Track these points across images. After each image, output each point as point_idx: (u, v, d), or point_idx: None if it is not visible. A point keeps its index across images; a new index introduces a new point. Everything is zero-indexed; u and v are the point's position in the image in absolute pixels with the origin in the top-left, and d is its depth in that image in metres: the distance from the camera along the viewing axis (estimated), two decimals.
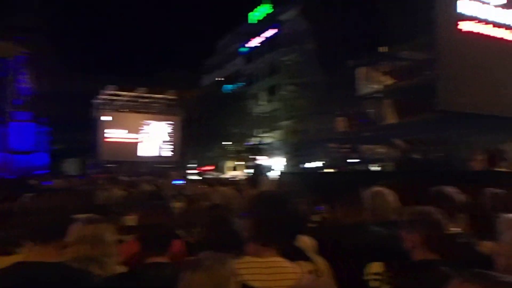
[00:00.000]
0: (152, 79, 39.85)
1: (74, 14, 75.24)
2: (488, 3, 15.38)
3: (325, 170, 21.05)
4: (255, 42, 43.06)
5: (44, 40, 27.95)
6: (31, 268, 1.96)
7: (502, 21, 15.45)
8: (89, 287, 2.03)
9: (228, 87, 44.10)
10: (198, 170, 34.99)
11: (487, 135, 13.75)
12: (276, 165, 29.28)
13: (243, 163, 36.31)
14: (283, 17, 36.42)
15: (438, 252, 2.34)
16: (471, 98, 14.05)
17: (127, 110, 35.38)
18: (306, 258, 2.33)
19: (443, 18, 14.42)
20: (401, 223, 2.55)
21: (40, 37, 27.49)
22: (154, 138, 36.22)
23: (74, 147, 36.89)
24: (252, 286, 1.90)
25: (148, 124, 36.01)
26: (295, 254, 2.24)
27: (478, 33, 14.93)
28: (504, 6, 15.53)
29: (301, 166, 25.86)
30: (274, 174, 16.64)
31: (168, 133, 36.81)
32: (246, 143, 36.25)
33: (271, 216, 2.05)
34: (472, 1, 15.05)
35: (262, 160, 31.50)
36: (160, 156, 36.34)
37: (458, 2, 14.78)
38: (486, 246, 2.70)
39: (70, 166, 35.06)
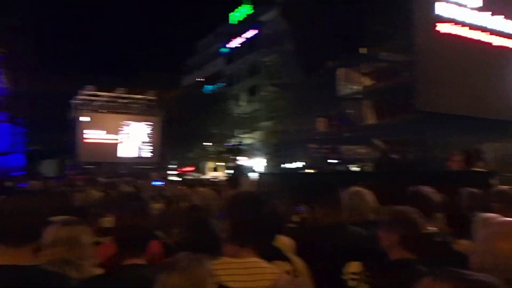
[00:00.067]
0: (132, 79, 39.58)
1: (53, 14, 74.13)
2: (465, 6, 15.58)
3: (306, 171, 21.11)
4: (235, 42, 43.05)
5: (21, 39, 27.55)
6: (4, 271, 1.91)
7: (478, 24, 15.68)
8: None
9: (209, 87, 44.01)
10: (178, 171, 34.83)
11: (465, 136, 13.92)
12: (256, 165, 29.33)
13: (224, 164, 36.26)
14: (263, 18, 36.50)
15: (414, 251, 2.37)
16: (449, 99, 14.25)
17: (106, 110, 34.85)
18: (284, 258, 2.34)
19: (421, 20, 14.57)
20: (378, 223, 2.58)
21: (17, 37, 27.10)
22: (133, 139, 35.81)
23: (53, 148, 36.42)
24: (229, 287, 1.89)
25: (128, 125, 35.57)
26: (273, 255, 2.24)
27: (456, 35, 15.12)
28: (480, 9, 15.77)
29: (281, 166, 25.91)
30: (254, 175, 16.64)
31: (148, 134, 36.41)
32: (226, 144, 36.18)
33: (248, 216, 2.05)
34: (450, 4, 15.25)
35: (242, 160, 31.51)
36: (140, 157, 35.91)
37: (436, 4, 14.95)
38: (462, 244, 2.75)
39: (48, 167, 34.60)
